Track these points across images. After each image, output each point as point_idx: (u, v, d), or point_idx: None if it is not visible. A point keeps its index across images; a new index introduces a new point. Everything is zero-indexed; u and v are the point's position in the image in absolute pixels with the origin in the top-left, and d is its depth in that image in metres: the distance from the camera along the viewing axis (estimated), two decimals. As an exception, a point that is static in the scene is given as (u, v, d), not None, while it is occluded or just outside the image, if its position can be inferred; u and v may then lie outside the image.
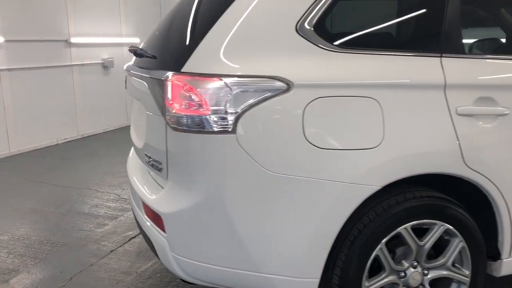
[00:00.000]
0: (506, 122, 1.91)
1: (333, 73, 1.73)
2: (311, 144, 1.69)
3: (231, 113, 1.66)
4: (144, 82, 2.02)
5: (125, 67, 2.64)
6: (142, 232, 2.19)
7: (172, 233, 1.82)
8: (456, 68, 1.86)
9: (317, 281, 1.80)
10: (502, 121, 1.90)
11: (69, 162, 5.36)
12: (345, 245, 1.82)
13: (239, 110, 1.66)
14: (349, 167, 1.73)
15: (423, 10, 1.94)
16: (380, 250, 1.85)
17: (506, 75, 1.94)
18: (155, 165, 1.95)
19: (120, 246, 3.15)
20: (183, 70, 1.73)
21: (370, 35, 1.87)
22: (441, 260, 1.96)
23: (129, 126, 2.72)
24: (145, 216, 2.04)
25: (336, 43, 1.78)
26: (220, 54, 1.71)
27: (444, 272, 1.97)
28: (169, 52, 1.96)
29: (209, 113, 1.66)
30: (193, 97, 1.69)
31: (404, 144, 1.77)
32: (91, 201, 4.06)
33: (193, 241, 1.80)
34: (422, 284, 1.96)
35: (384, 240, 1.84)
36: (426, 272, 1.96)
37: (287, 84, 1.67)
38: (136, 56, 2.30)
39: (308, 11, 1.75)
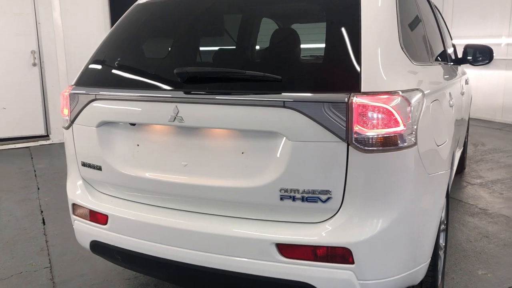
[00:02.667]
0: None
1: (427, 81, 2.10)
2: (436, 143, 2.03)
3: (415, 126, 1.76)
4: (266, 108, 1.80)
5: (170, 94, 2.01)
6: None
7: (363, 261, 1.78)
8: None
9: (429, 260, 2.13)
10: None
11: None
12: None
13: (416, 121, 1.78)
14: (445, 159, 2.21)
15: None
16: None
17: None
18: (309, 198, 1.76)
19: None
20: (364, 90, 1.67)
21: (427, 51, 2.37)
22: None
23: None
24: (285, 259, 1.84)
25: (414, 57, 2.12)
26: (382, 71, 1.80)
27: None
28: (313, 73, 1.94)
29: (404, 128, 1.71)
30: (386, 116, 1.69)
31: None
32: None
33: (382, 261, 1.83)
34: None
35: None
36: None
37: (423, 93, 1.90)
38: (200, 82, 1.98)
39: (398, 32, 1.99)
